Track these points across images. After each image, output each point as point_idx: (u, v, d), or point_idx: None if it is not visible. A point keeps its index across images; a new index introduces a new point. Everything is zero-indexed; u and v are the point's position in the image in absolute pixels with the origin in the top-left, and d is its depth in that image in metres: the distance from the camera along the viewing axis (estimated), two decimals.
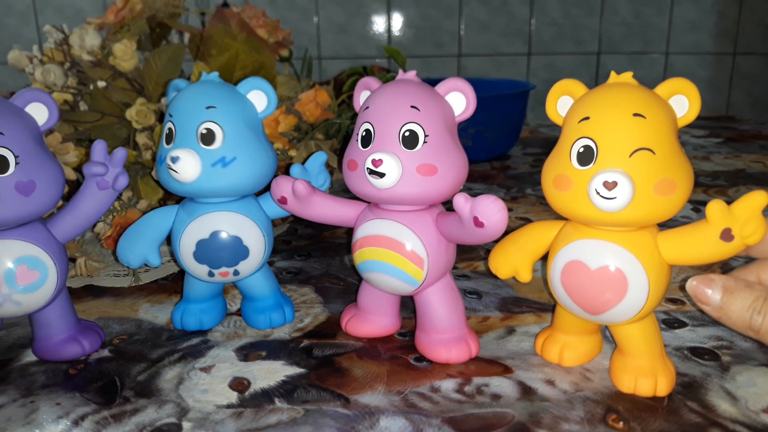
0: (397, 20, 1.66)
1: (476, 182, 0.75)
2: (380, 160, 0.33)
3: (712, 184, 0.73)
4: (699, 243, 0.30)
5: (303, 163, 0.41)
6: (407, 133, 0.33)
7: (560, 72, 1.71)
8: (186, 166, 0.35)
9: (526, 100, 0.85)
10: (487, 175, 0.78)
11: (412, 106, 0.33)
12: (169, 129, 0.36)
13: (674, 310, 0.42)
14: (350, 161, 0.35)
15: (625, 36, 1.73)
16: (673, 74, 1.70)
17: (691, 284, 0.30)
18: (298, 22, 1.61)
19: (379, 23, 1.65)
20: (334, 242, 0.56)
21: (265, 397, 0.33)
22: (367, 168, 0.33)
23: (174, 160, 0.35)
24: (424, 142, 0.33)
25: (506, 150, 0.87)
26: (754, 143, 0.95)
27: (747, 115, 1.68)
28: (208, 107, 0.36)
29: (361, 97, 0.37)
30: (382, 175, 0.33)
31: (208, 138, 0.36)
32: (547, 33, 1.71)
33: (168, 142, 0.36)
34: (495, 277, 0.36)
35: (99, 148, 0.36)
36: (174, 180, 0.36)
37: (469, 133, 0.79)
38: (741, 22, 1.66)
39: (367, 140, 0.34)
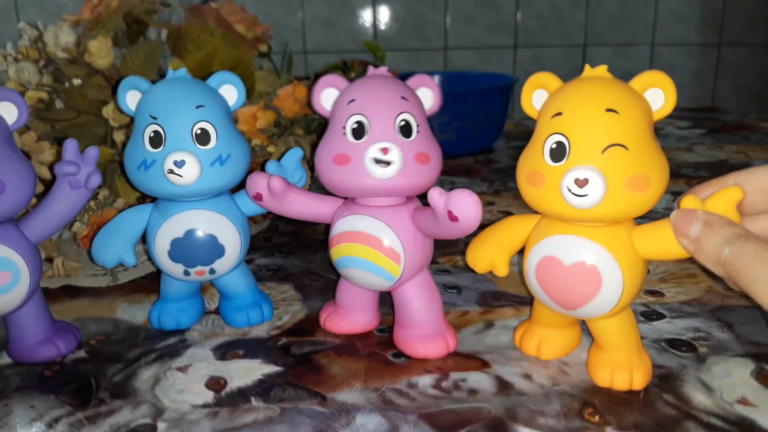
0: (383, 14, 1.65)
1: (460, 176, 0.75)
2: (388, 149, 0.33)
3: (695, 176, 0.73)
4: (673, 239, 0.30)
5: (279, 159, 0.41)
6: (403, 123, 0.34)
7: (546, 64, 1.71)
8: (191, 169, 0.35)
9: (510, 93, 0.84)
10: (471, 168, 0.78)
11: (402, 97, 0.34)
12: (155, 132, 0.35)
13: (653, 302, 0.42)
14: (339, 155, 0.34)
15: (611, 28, 1.73)
16: (659, 66, 1.71)
17: (673, 216, 0.29)
18: (284, 17, 1.60)
19: (364, 17, 1.65)
20: (316, 239, 0.56)
21: (242, 396, 0.33)
22: (374, 158, 0.33)
23: (179, 164, 0.34)
24: (417, 131, 0.34)
25: (490, 143, 0.87)
26: (737, 134, 0.95)
27: (732, 106, 1.68)
28: (198, 106, 0.35)
29: (323, 94, 0.36)
30: (389, 163, 0.33)
31: (203, 138, 0.35)
32: (533, 26, 1.71)
33: (155, 146, 0.35)
34: (475, 271, 0.36)
35: (70, 147, 0.36)
36: (170, 184, 0.35)
37: (452, 127, 0.79)
38: (726, 13, 1.66)
39: (360, 132, 0.34)
